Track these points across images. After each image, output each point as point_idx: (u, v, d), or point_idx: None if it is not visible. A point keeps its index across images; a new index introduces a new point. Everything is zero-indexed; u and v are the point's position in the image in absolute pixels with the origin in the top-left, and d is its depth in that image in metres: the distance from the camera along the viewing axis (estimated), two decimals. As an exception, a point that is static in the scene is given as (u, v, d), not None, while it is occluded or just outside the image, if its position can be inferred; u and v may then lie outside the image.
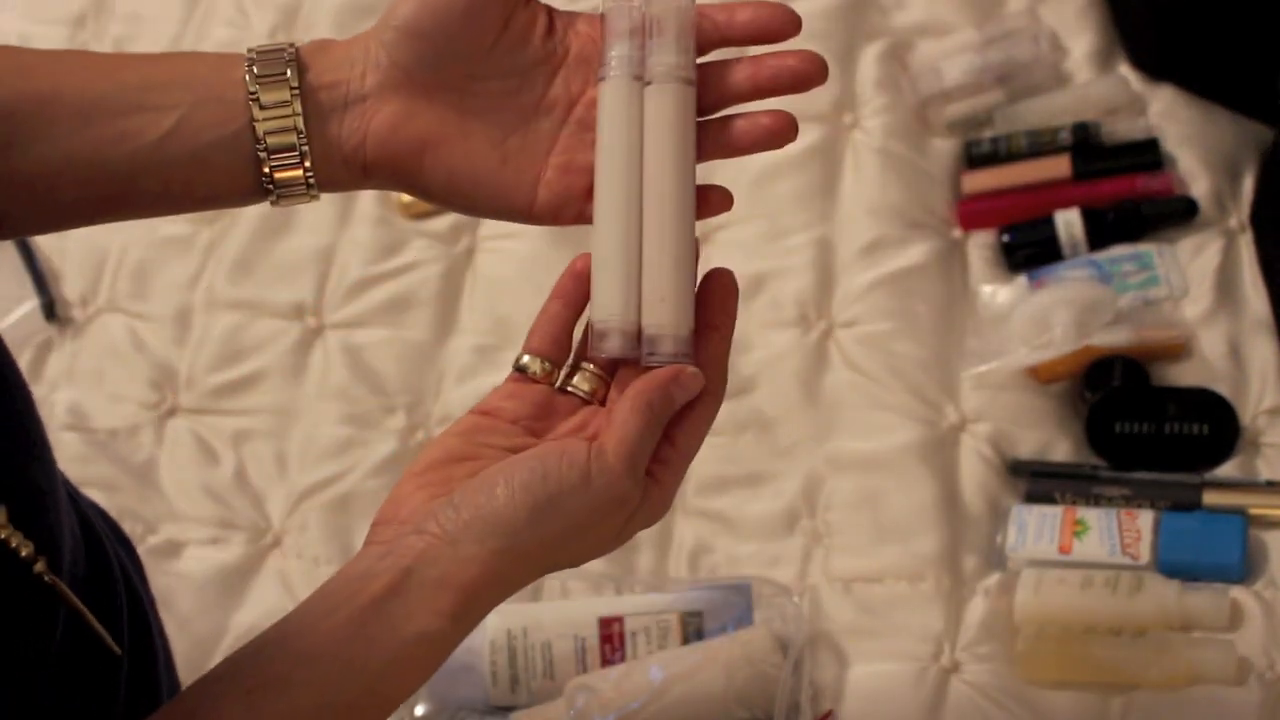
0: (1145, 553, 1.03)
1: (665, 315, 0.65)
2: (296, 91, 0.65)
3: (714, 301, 0.66)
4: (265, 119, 0.64)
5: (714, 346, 0.66)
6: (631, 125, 0.65)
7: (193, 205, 0.68)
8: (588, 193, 0.67)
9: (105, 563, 0.73)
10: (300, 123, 0.65)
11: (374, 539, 0.64)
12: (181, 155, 0.65)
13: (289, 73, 0.65)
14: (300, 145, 0.65)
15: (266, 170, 0.65)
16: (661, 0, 0.66)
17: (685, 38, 0.66)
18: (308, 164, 0.65)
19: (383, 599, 0.61)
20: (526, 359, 0.68)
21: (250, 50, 0.66)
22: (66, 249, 1.32)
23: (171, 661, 0.86)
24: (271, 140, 0.65)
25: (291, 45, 0.66)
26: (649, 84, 0.66)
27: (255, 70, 0.65)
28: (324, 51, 0.66)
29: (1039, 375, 1.14)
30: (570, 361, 0.69)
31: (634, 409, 0.63)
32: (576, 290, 0.68)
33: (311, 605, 0.62)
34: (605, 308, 0.65)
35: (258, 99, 0.64)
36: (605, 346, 0.65)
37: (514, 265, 1.27)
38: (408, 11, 0.65)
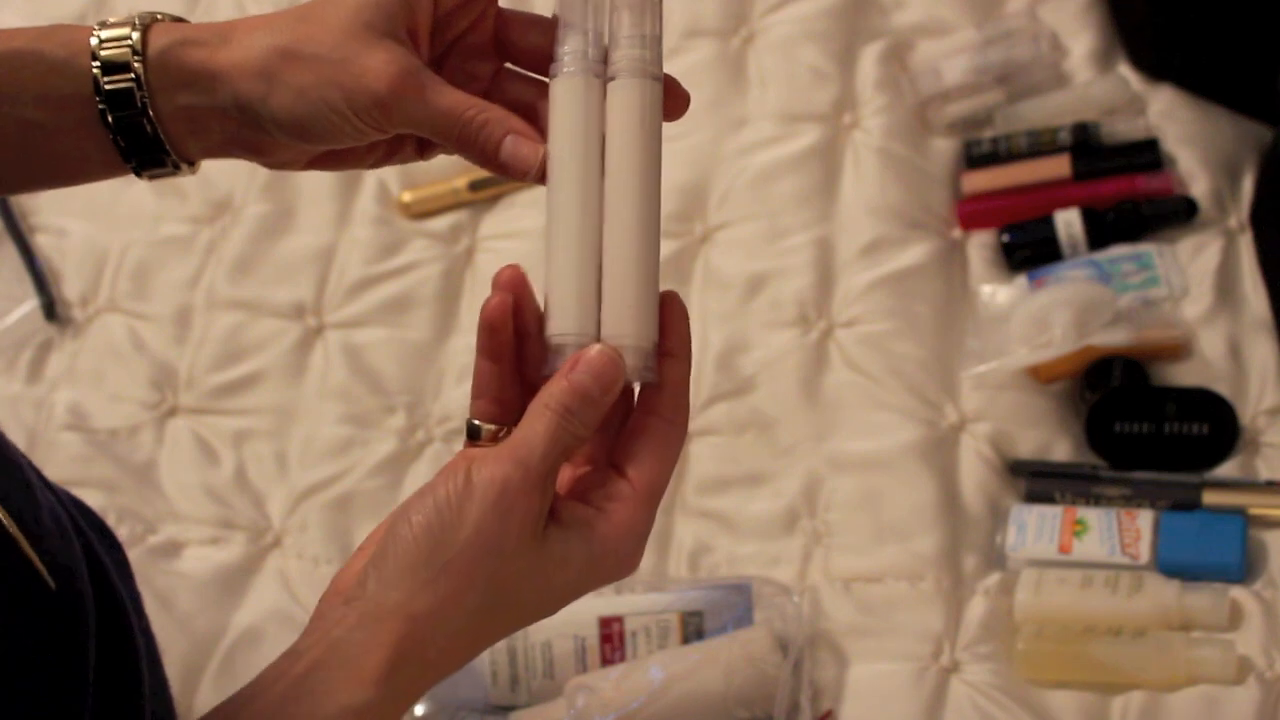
0: (1145, 552, 1.03)
1: (627, 326, 0.61)
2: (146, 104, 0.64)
3: (668, 326, 0.62)
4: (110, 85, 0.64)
5: (671, 373, 0.62)
6: (589, 125, 0.62)
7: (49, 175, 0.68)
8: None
9: (70, 548, 0.73)
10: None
11: (317, 610, 0.62)
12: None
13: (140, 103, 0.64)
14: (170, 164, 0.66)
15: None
16: None
17: (654, 31, 0.62)
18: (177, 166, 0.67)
19: (306, 674, 0.59)
20: (475, 424, 0.64)
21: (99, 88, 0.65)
22: (66, 249, 1.32)
23: (158, 660, 0.86)
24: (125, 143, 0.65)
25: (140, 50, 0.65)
26: (613, 79, 0.62)
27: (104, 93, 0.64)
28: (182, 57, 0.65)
29: (1039, 375, 1.14)
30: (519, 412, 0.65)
31: (530, 409, 0.60)
32: (494, 342, 0.63)
33: (250, 684, 0.61)
34: (561, 324, 0.61)
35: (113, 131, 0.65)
36: (560, 365, 0.61)
37: (514, 265, 1.27)
38: (284, 114, 0.63)
